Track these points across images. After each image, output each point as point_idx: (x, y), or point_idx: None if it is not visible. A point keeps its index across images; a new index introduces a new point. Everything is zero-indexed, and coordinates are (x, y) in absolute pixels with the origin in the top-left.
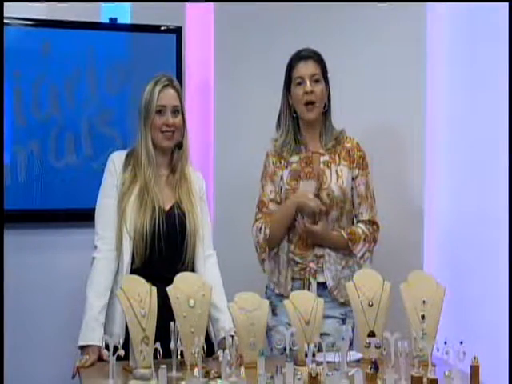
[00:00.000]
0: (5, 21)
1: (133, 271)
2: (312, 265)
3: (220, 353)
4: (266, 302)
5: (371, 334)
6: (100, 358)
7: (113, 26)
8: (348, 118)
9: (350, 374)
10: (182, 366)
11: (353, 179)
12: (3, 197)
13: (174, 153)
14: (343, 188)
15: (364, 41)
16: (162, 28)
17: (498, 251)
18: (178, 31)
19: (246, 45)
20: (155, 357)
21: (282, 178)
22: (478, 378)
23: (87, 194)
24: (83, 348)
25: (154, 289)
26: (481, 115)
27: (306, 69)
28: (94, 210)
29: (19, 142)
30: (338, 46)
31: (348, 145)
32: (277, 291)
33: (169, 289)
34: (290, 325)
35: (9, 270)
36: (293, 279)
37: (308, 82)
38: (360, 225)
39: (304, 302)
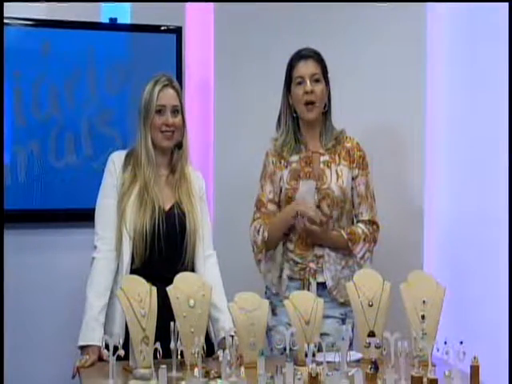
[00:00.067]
0: (5, 21)
1: (133, 271)
2: (312, 265)
3: (220, 353)
4: (266, 302)
5: (371, 334)
6: (100, 358)
7: (113, 25)
8: (348, 117)
9: (350, 373)
10: (182, 365)
11: (353, 179)
12: (3, 197)
13: (173, 153)
14: (343, 188)
15: (364, 41)
16: (162, 28)
17: (498, 251)
18: (178, 31)
19: (246, 45)
20: (155, 357)
21: (281, 178)
22: (477, 378)
23: (87, 194)
24: (83, 348)
25: (154, 289)
26: (481, 115)
27: (307, 68)
28: (93, 210)
29: (19, 141)
30: (338, 45)
31: (348, 145)
32: (273, 291)
33: (169, 289)
34: (289, 325)
35: (9, 270)
36: (292, 279)
37: (308, 82)
38: (360, 225)
39: (304, 302)
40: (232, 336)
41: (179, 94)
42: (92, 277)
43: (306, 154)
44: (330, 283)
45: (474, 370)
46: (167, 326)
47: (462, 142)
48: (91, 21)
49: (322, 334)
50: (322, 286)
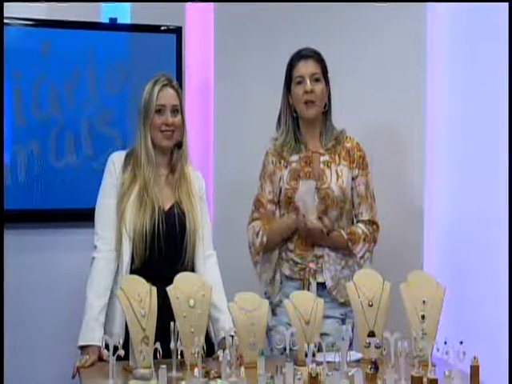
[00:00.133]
0: (5, 21)
1: (132, 271)
2: (311, 265)
3: (220, 353)
4: (266, 302)
5: (371, 334)
6: (100, 358)
7: (113, 25)
8: (348, 118)
9: (350, 373)
10: (182, 365)
11: (353, 179)
12: (3, 197)
13: (173, 152)
14: (343, 188)
15: (364, 41)
16: (162, 28)
17: (498, 251)
18: (178, 31)
19: (246, 45)
20: (155, 357)
21: (281, 178)
22: (477, 378)
23: (87, 194)
24: (83, 348)
25: (154, 289)
26: (481, 115)
27: (307, 68)
28: (93, 210)
29: (19, 142)
30: (338, 46)
31: (348, 145)
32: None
33: (169, 289)
34: (289, 325)
35: (9, 270)
36: (292, 279)
37: (308, 81)
38: (360, 225)
39: (304, 302)
40: (232, 336)
41: (179, 93)
42: (92, 277)
43: (306, 153)
44: (329, 283)
45: (474, 370)
46: (167, 326)
47: (462, 142)
48: (91, 21)
49: (322, 334)
50: (321, 286)
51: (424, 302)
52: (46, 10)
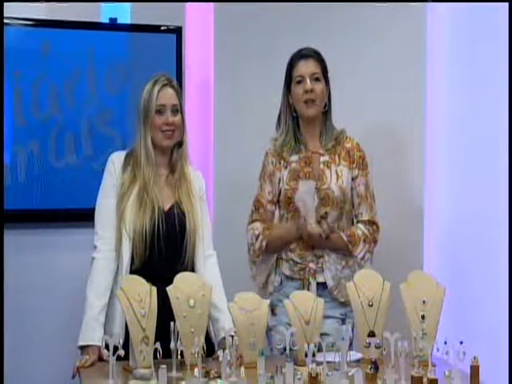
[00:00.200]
0: (5, 21)
1: (132, 271)
2: (312, 265)
3: (220, 353)
4: (266, 302)
5: (371, 334)
6: (100, 358)
7: (113, 25)
8: (348, 118)
9: (350, 373)
10: (182, 365)
11: (352, 179)
12: (3, 197)
13: (173, 152)
14: (343, 188)
15: (364, 41)
16: (162, 28)
17: (498, 251)
18: (178, 31)
19: (246, 45)
20: (155, 357)
21: (281, 178)
22: (477, 378)
23: (87, 194)
24: (83, 348)
25: (154, 289)
26: (481, 115)
27: (307, 67)
28: (93, 210)
29: (19, 142)
30: (339, 45)
31: (348, 145)
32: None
33: (169, 289)
34: (289, 325)
35: (9, 270)
36: (292, 279)
37: (308, 81)
38: (360, 225)
39: (304, 302)
40: (232, 336)
41: (178, 93)
42: (92, 277)
43: (306, 154)
44: (330, 283)
45: (474, 370)
46: (167, 326)
47: (462, 142)
48: (91, 21)
49: (322, 334)
50: (322, 285)
51: (424, 302)
52: (46, 10)
